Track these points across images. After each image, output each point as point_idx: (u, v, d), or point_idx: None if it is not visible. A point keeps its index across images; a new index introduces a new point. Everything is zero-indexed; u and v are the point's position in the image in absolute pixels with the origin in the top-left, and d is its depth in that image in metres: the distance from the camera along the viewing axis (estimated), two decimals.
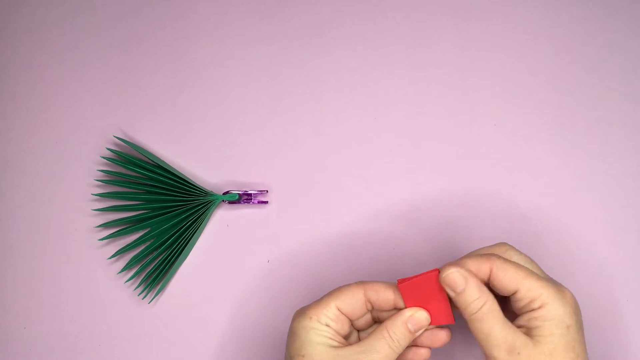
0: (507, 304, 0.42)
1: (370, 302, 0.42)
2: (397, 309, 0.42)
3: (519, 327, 0.39)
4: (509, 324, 0.39)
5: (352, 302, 0.42)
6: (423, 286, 0.41)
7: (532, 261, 0.42)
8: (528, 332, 0.39)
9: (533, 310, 0.39)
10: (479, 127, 0.53)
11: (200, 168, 0.53)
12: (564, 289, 0.40)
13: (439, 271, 0.40)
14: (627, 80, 0.53)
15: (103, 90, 0.54)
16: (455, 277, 0.39)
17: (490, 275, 0.40)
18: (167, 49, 0.54)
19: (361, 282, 0.42)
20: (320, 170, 0.52)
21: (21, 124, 0.54)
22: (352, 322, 0.43)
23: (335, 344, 0.41)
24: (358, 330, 0.44)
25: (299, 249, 0.51)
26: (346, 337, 0.43)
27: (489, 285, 0.41)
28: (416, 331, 0.41)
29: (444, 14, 0.54)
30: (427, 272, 0.41)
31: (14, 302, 0.51)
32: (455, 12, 0.54)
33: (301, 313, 0.42)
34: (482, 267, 0.40)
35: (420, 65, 0.53)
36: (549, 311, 0.39)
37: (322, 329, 0.41)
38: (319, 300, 0.42)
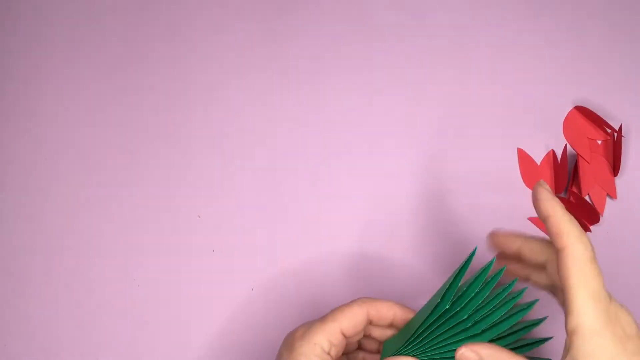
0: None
1: (369, 320, 0.40)
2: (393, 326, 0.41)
3: None
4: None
5: (355, 323, 0.39)
6: None
7: None
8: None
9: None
10: (473, 138, 0.53)
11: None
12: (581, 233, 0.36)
13: None
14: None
15: (98, 108, 0.54)
16: (468, 357, 0.36)
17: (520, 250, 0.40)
18: (163, 69, 0.55)
19: (362, 301, 0.40)
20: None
21: (21, 129, 0.54)
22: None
23: None
24: None
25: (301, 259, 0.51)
26: None
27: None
28: None
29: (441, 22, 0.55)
30: None
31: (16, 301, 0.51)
32: (453, 25, 0.55)
33: (303, 337, 0.38)
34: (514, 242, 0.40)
35: (416, 86, 0.54)
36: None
37: (324, 357, 0.38)
38: (322, 323, 0.39)
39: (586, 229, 0.50)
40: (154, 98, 0.54)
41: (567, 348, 0.34)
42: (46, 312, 0.50)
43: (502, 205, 0.51)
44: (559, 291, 0.38)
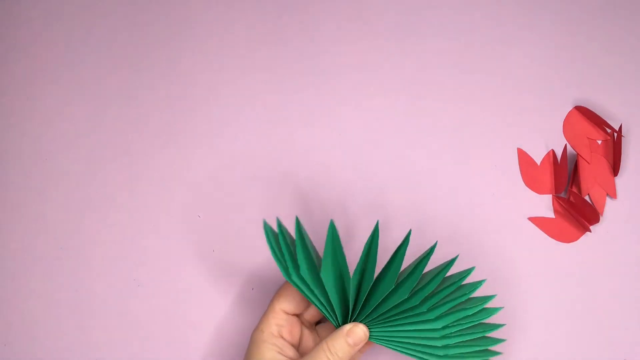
0: None
1: None
2: None
3: None
4: None
5: (291, 297, 0.44)
6: None
7: None
8: None
9: None
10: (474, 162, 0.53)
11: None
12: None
13: None
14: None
15: (98, 108, 0.54)
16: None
17: None
18: (163, 69, 0.55)
19: None
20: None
21: (21, 129, 0.54)
22: (301, 319, 0.45)
23: (283, 358, 0.42)
24: (317, 327, 0.46)
25: None
26: (300, 341, 0.44)
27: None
28: (355, 345, 0.41)
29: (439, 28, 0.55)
30: None
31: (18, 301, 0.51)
32: (454, 38, 0.55)
33: (256, 328, 0.43)
34: None
35: (415, 86, 0.54)
36: None
37: (272, 341, 0.42)
38: (266, 311, 0.44)
39: (586, 228, 0.50)
40: (154, 98, 0.54)
41: None
42: (46, 312, 0.50)
43: (502, 205, 0.51)
44: None
